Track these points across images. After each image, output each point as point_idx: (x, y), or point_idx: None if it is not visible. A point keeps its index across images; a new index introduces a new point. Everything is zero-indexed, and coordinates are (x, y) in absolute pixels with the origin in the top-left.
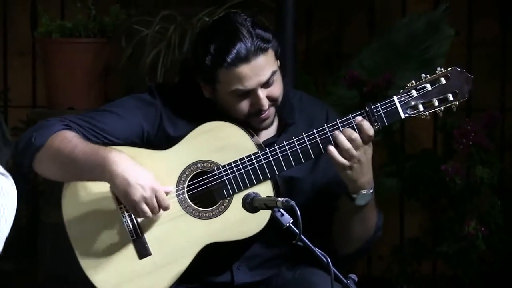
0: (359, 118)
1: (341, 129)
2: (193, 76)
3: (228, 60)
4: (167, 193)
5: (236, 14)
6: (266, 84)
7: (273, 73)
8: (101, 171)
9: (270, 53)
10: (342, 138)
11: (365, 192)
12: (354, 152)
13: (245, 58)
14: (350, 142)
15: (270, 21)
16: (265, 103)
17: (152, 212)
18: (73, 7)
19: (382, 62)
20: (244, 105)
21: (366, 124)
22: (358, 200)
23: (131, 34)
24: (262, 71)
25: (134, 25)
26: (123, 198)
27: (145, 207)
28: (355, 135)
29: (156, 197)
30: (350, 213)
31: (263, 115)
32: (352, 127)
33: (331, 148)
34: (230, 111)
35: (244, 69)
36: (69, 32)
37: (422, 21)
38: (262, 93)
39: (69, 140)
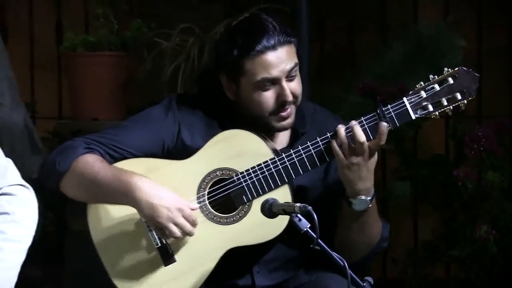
0: (353, 122)
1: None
2: (216, 73)
3: (257, 48)
4: (192, 209)
5: (261, 13)
6: (289, 76)
7: (296, 65)
8: (125, 198)
9: (293, 48)
10: (343, 133)
11: (362, 198)
12: (353, 151)
13: (272, 46)
14: (355, 143)
15: None
16: (289, 94)
17: (183, 230)
18: (96, 22)
19: (394, 70)
20: (269, 97)
21: (358, 130)
22: (355, 205)
23: (151, 47)
24: (286, 60)
25: (154, 38)
26: (150, 222)
27: (174, 228)
28: (363, 139)
29: (183, 215)
30: (350, 219)
31: (285, 113)
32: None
33: (334, 142)
34: (253, 108)
35: (270, 56)
36: (93, 46)
37: (432, 31)
38: (286, 85)
39: (92, 165)
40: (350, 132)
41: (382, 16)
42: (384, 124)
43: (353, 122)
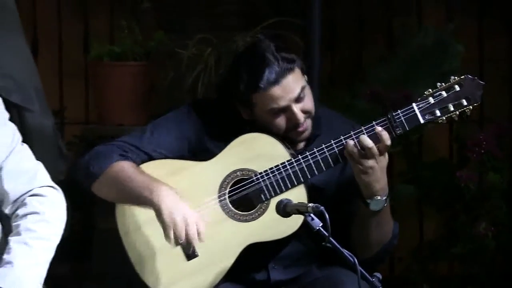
0: (379, 128)
1: (361, 135)
2: (230, 99)
3: (261, 85)
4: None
5: (261, 41)
6: (298, 100)
7: (303, 88)
8: (150, 205)
9: (297, 71)
10: (352, 146)
11: (378, 198)
12: (365, 156)
13: (275, 81)
14: (364, 149)
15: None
16: (301, 116)
17: (191, 241)
18: (121, 33)
19: (399, 76)
20: (282, 121)
21: (382, 133)
22: (372, 205)
23: (173, 57)
24: (292, 89)
25: (175, 48)
26: (166, 230)
27: (185, 241)
28: (372, 145)
29: (197, 229)
30: (366, 218)
31: (300, 128)
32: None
33: (346, 152)
34: (269, 128)
35: (276, 90)
36: (118, 56)
37: (433, 38)
38: (296, 108)
39: (124, 171)
40: (358, 138)
41: (388, 26)
42: (378, 128)
43: (379, 128)
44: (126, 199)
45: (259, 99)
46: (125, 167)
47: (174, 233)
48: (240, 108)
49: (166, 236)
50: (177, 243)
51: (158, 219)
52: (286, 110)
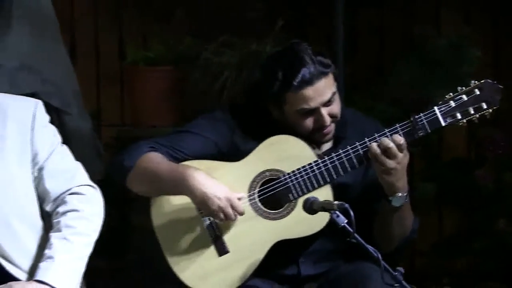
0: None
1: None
2: (261, 100)
3: (295, 84)
4: (239, 199)
5: (299, 44)
6: (327, 103)
7: (333, 93)
8: (181, 187)
9: (330, 77)
10: (376, 148)
11: (399, 195)
12: (388, 157)
13: (309, 81)
14: (386, 151)
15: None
16: (327, 119)
17: (230, 218)
18: (154, 39)
19: (418, 79)
20: (309, 122)
21: (396, 137)
22: (393, 201)
23: (201, 62)
24: (324, 92)
25: (204, 53)
26: (202, 209)
27: (222, 215)
28: (391, 145)
29: (231, 205)
30: (388, 214)
31: (325, 130)
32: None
33: (370, 153)
34: (296, 128)
35: (308, 91)
36: (151, 61)
37: (451, 43)
38: (324, 111)
39: (153, 160)
40: (387, 142)
41: (408, 32)
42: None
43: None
44: (158, 189)
45: (291, 98)
46: (153, 156)
47: (210, 208)
48: (271, 107)
49: (204, 213)
50: (218, 217)
51: (191, 198)
52: (315, 112)
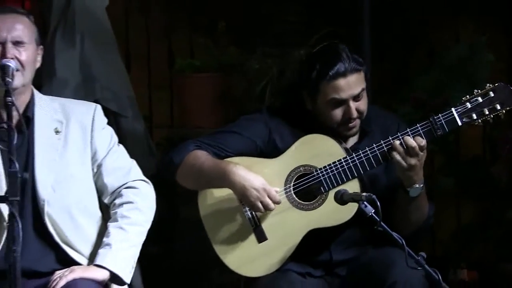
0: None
1: (406, 137)
2: (298, 90)
3: (330, 74)
4: (276, 191)
5: (336, 43)
6: (356, 98)
7: (363, 89)
8: (224, 181)
9: (362, 74)
10: (399, 146)
11: (416, 186)
12: (409, 155)
13: (343, 74)
14: (409, 150)
15: None
16: (354, 113)
17: (268, 208)
18: (200, 49)
19: (438, 83)
20: (338, 113)
21: (418, 139)
22: (411, 192)
23: (242, 69)
24: (354, 86)
25: (244, 62)
26: (242, 199)
27: (260, 205)
28: (415, 145)
29: (268, 196)
30: (406, 204)
31: (351, 124)
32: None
33: (393, 153)
34: (325, 119)
35: (341, 82)
36: (198, 68)
37: (467, 50)
38: (352, 105)
39: (199, 157)
40: (404, 139)
41: (428, 40)
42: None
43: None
44: (203, 183)
45: (325, 87)
46: (199, 154)
47: (249, 198)
48: (305, 97)
49: (245, 204)
50: (257, 207)
51: (233, 190)
52: (343, 104)
